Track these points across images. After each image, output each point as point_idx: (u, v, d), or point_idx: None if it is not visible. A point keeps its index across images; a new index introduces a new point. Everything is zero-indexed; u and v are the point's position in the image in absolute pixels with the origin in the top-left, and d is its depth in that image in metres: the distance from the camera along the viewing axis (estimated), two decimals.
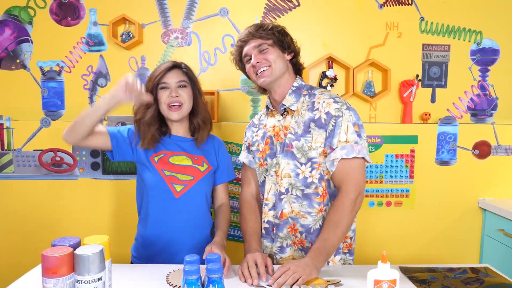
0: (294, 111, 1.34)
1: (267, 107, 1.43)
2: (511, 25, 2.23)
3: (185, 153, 1.44)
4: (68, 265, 0.87)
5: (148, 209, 1.42)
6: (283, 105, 1.35)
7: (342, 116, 1.25)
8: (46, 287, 0.87)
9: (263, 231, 1.41)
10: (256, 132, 1.45)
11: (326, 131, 1.26)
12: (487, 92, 2.26)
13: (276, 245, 1.37)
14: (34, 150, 2.11)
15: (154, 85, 1.39)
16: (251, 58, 1.34)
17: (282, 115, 1.36)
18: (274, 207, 1.36)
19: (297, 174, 1.31)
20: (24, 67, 2.16)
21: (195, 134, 1.48)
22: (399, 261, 1.35)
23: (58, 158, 2.12)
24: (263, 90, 1.46)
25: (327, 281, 1.14)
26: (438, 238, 2.22)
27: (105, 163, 2.12)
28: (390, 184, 2.18)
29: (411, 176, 2.19)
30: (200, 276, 0.93)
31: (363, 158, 1.26)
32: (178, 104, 1.39)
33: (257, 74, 1.33)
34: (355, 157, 1.23)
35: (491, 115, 2.28)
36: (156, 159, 1.41)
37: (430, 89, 2.25)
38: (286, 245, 1.36)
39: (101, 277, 0.89)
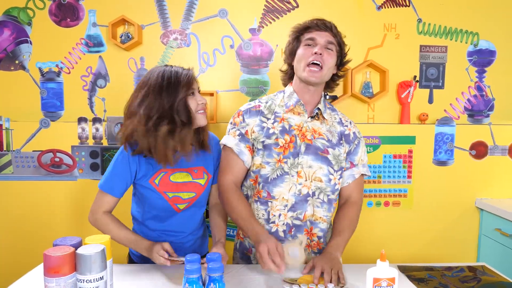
0: (324, 118, 1.38)
1: (298, 101, 1.35)
2: (507, 27, 2.25)
3: (184, 168, 1.37)
4: (70, 265, 0.88)
5: (148, 219, 1.41)
6: (318, 109, 1.36)
7: (361, 139, 1.45)
8: (48, 286, 0.87)
9: (282, 234, 1.34)
10: (272, 124, 1.35)
11: (349, 147, 1.40)
12: (484, 93, 2.28)
13: None
14: (33, 151, 2.11)
15: (185, 93, 1.27)
16: (314, 45, 1.29)
17: (312, 117, 1.36)
18: (293, 208, 1.33)
19: (330, 180, 1.35)
20: (23, 68, 2.16)
21: (200, 136, 1.39)
22: (397, 261, 1.36)
23: (57, 159, 2.12)
24: (288, 79, 1.44)
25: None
26: (436, 238, 2.23)
27: (104, 163, 2.13)
28: (388, 184, 2.20)
29: (409, 176, 2.20)
30: (201, 275, 0.94)
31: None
32: (204, 110, 1.34)
33: (308, 64, 1.28)
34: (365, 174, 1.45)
35: (487, 115, 2.30)
36: (156, 181, 1.34)
37: (428, 90, 2.27)
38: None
39: (102, 276, 0.90)
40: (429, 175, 2.21)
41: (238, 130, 1.38)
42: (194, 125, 1.32)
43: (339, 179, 1.37)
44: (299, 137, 1.33)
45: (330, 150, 1.34)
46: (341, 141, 1.38)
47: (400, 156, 2.19)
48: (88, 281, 0.88)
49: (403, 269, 1.26)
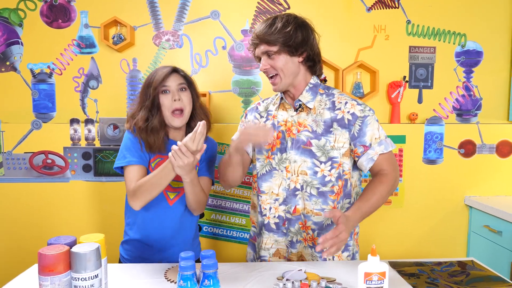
0: (310, 108, 1.34)
1: (281, 99, 1.40)
2: (494, 28, 2.30)
3: None
4: (64, 263, 0.89)
5: (141, 215, 1.41)
6: (299, 101, 1.34)
7: (368, 116, 1.31)
8: (42, 285, 0.88)
9: (274, 226, 1.38)
10: (264, 122, 1.42)
11: (350, 132, 1.30)
12: (472, 93, 2.33)
13: (287, 239, 1.38)
14: (24, 152, 2.10)
15: (156, 91, 1.37)
16: (260, 61, 1.34)
17: (296, 110, 1.36)
18: (285, 202, 1.36)
19: (315, 172, 1.31)
20: (14, 69, 2.16)
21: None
22: (389, 258, 1.38)
23: (49, 161, 2.11)
24: None
25: (321, 277, 1.17)
26: (426, 235, 2.27)
27: (96, 165, 2.12)
28: None
29: (400, 175, 2.23)
30: (195, 272, 0.95)
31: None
32: (180, 109, 1.38)
33: (268, 77, 1.34)
34: (390, 151, 1.32)
35: (475, 115, 2.34)
36: (153, 165, 1.39)
37: (417, 90, 2.31)
38: (296, 240, 1.37)
39: (97, 275, 0.91)
40: (419, 173, 2.24)
41: (242, 126, 1.49)
42: (166, 122, 1.40)
43: (329, 171, 1.31)
44: (286, 133, 1.35)
45: (313, 141, 1.31)
46: (331, 129, 1.30)
47: None
48: (83, 279, 0.88)
49: (394, 265, 1.28)
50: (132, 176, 1.34)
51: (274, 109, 1.41)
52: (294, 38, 1.27)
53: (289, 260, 1.38)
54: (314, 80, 1.37)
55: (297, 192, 1.34)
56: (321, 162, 1.31)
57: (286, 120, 1.36)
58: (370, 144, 1.29)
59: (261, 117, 1.43)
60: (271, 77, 1.32)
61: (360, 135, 1.30)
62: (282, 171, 1.35)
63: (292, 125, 1.35)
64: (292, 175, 1.34)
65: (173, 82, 1.39)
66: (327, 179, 1.32)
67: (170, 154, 1.20)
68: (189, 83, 1.44)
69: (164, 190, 1.38)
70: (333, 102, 1.33)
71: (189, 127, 1.47)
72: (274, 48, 1.27)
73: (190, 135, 1.19)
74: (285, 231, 1.37)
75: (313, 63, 1.35)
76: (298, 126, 1.34)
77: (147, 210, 1.41)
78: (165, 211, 1.41)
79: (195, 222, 1.54)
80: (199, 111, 1.47)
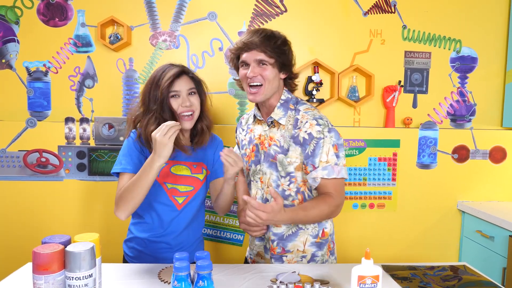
0: (281, 124, 1.36)
1: (255, 116, 1.44)
2: (488, 35, 2.32)
3: (184, 162, 1.41)
4: (59, 262, 0.89)
5: (148, 217, 1.40)
6: (271, 117, 1.36)
7: (323, 138, 1.29)
8: (36, 283, 0.88)
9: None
10: (244, 136, 1.49)
11: (306, 150, 1.31)
12: (466, 98, 2.35)
13: (263, 243, 1.44)
14: (19, 150, 2.09)
15: (164, 94, 1.31)
16: (247, 65, 1.32)
17: (269, 126, 1.39)
18: None
19: (278, 186, 1.37)
20: (10, 67, 2.14)
21: (195, 138, 1.43)
22: (382, 261, 1.38)
23: (43, 159, 2.10)
24: None
25: (315, 280, 1.17)
26: (419, 239, 2.28)
27: (91, 164, 2.11)
28: (373, 186, 2.24)
29: (394, 179, 2.25)
30: (190, 273, 0.95)
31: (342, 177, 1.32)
32: (190, 113, 1.35)
33: (249, 85, 1.32)
34: (334, 178, 1.29)
35: (469, 120, 2.36)
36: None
37: (412, 95, 2.33)
38: (268, 247, 1.43)
39: (92, 274, 0.91)
40: (413, 178, 2.26)
41: (236, 139, 1.59)
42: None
43: (288, 185, 1.35)
44: (260, 146, 1.41)
45: (278, 156, 1.34)
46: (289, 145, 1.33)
47: (385, 159, 2.23)
48: (77, 279, 0.88)
49: (387, 269, 1.29)
50: (122, 184, 1.30)
51: (251, 123, 1.48)
52: (287, 57, 1.35)
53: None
54: (284, 95, 1.38)
55: (267, 203, 1.34)
56: (281, 177, 1.36)
57: (260, 134, 1.42)
58: (317, 167, 1.30)
59: (243, 130, 1.51)
60: (254, 86, 1.31)
61: (313, 155, 1.30)
62: (257, 181, 1.42)
63: (265, 139, 1.39)
64: (264, 186, 1.40)
65: (183, 87, 1.34)
66: (287, 193, 1.37)
67: (223, 160, 1.25)
68: (198, 85, 1.40)
69: (171, 195, 1.37)
70: (297, 120, 1.34)
71: (194, 128, 1.44)
72: (271, 60, 1.30)
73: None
74: (262, 236, 1.43)
75: (290, 84, 1.42)
76: (270, 140, 1.38)
77: (155, 214, 1.39)
78: (173, 215, 1.40)
79: (202, 220, 1.53)
80: (206, 113, 1.45)
